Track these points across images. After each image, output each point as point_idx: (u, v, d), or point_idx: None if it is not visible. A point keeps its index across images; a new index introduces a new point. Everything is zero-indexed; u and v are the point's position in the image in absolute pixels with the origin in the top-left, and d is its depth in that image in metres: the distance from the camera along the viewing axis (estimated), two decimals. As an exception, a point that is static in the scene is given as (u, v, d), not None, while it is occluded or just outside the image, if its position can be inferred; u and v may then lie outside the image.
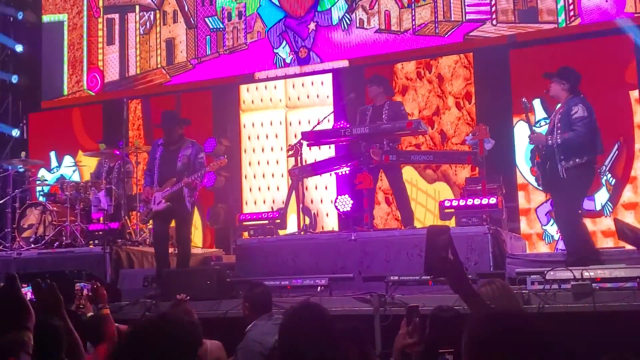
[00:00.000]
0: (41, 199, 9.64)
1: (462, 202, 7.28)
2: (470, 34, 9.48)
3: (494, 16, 9.38)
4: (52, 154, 11.74)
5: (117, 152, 9.25)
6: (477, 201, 7.16)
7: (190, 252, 7.98)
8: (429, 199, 9.57)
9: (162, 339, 2.13)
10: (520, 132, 8.93)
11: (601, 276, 5.69)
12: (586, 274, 5.68)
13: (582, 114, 6.39)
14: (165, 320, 2.22)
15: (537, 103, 8.82)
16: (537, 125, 8.86)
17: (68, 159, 11.57)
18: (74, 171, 9.99)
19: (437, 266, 2.57)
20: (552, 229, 8.80)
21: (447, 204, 7.46)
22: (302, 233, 8.03)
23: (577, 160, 6.33)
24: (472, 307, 2.60)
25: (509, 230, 7.71)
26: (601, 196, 8.63)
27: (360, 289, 6.58)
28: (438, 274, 2.66)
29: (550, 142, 6.47)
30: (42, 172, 11.32)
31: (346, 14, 10.14)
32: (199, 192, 8.11)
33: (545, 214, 8.85)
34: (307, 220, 8.57)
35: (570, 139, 6.35)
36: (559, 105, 6.70)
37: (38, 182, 10.09)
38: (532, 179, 8.92)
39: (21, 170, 10.30)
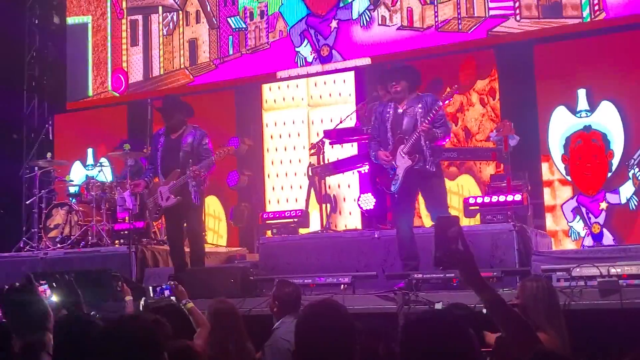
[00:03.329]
0: (70, 199, 9.72)
1: (487, 199, 7.24)
2: (494, 29, 9.40)
3: (517, 12, 9.29)
4: (90, 151, 11.81)
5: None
6: (502, 198, 7.11)
7: (204, 248, 7.81)
8: (452, 195, 9.49)
9: (121, 340, 2.14)
10: (558, 118, 8.86)
11: (628, 272, 5.62)
12: (613, 271, 5.61)
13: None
14: (126, 321, 2.23)
15: (582, 93, 8.75)
16: (578, 115, 8.79)
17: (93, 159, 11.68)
18: (99, 172, 10.05)
19: (447, 257, 2.50)
20: (578, 226, 8.70)
21: (471, 200, 7.43)
22: (325, 231, 8.03)
23: (442, 155, 6.64)
24: (484, 299, 2.55)
25: (535, 227, 7.63)
26: (626, 190, 8.53)
27: (384, 287, 6.55)
28: (448, 266, 2.60)
29: (437, 134, 6.51)
30: (76, 168, 11.44)
31: (367, 10, 10.10)
32: (212, 184, 7.79)
33: (571, 211, 8.76)
34: (328, 208, 8.41)
35: (446, 133, 6.58)
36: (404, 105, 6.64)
37: (67, 183, 10.16)
38: (562, 168, 8.86)
39: (49, 171, 10.40)
